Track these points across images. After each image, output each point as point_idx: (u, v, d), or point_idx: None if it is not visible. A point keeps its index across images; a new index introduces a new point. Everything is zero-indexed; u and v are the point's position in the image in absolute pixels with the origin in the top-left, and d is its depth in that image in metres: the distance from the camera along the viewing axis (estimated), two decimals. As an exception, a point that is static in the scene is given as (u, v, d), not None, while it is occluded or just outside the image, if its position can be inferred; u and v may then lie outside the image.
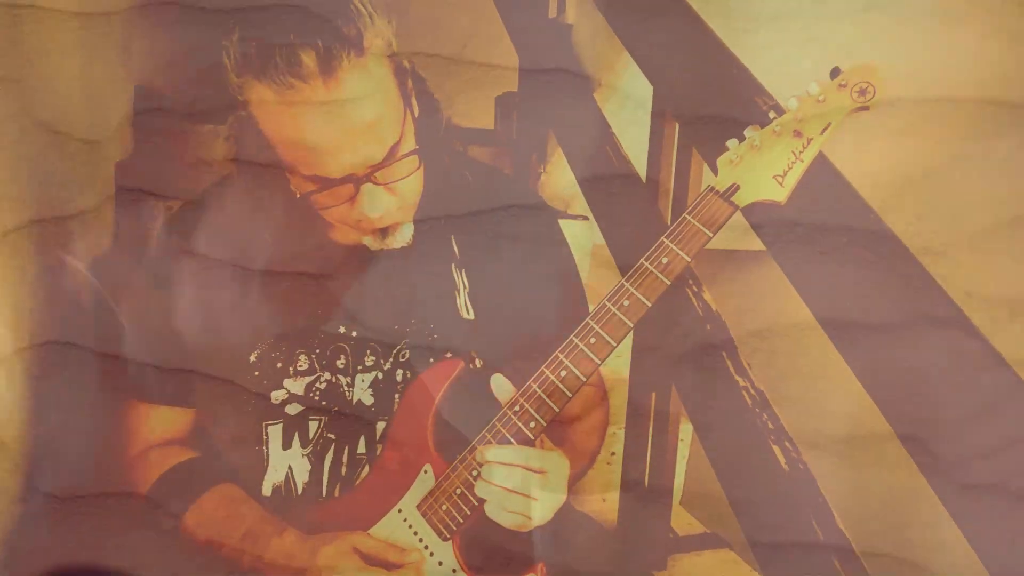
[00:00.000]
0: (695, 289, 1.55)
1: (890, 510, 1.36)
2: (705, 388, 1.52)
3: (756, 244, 1.40)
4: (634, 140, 1.68)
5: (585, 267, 1.74)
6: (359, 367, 1.26)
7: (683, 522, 1.78)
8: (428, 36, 1.48)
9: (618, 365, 1.75)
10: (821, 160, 1.24)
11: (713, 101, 1.45)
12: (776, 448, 1.38)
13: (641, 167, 1.67)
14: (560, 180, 1.80)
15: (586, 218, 1.89)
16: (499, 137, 1.76)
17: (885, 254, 1.25)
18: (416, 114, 1.21)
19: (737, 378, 1.46)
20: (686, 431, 1.77)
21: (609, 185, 1.72)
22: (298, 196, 1.19)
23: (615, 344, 1.12)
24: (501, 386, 1.17)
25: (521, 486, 1.14)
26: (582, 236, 1.88)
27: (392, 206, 1.18)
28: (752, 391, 1.44)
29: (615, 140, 1.75)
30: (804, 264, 1.32)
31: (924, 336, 1.21)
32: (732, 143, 1.11)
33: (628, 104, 1.66)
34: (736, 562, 1.66)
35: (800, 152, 1.06)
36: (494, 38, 1.64)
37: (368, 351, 1.27)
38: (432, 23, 1.52)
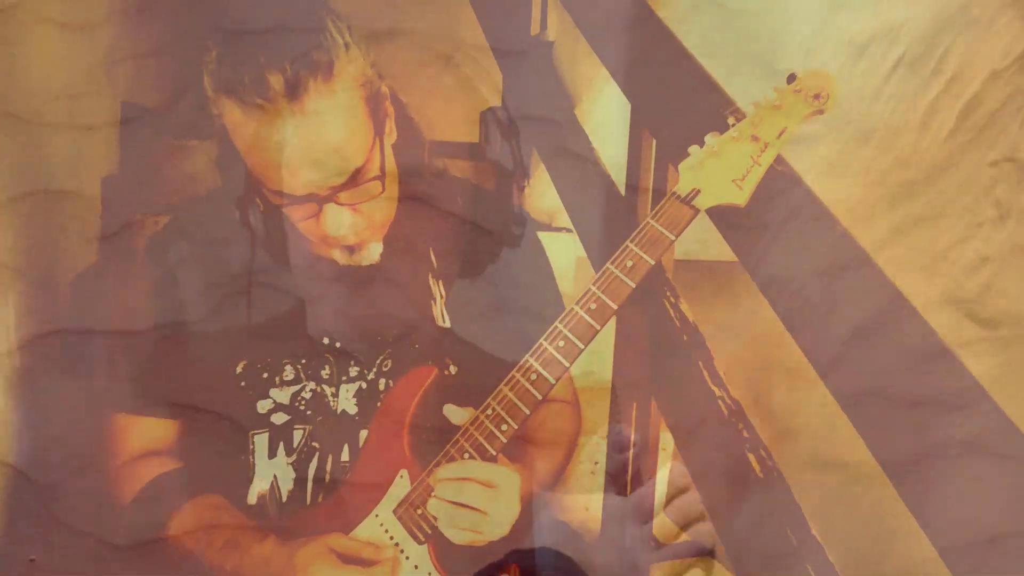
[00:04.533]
0: (672, 300, 1.57)
1: (864, 521, 1.37)
2: (682, 398, 1.53)
3: (732, 256, 1.42)
4: (614, 155, 1.70)
5: (569, 279, 1.76)
6: (343, 377, 1.28)
7: (665, 531, 1.78)
8: (411, 55, 1.50)
9: (600, 375, 1.77)
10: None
11: (689, 119, 1.48)
12: (751, 456, 1.39)
13: (621, 182, 1.69)
14: (544, 194, 1.82)
15: (570, 231, 1.91)
16: (484, 151, 1.78)
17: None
18: (393, 139, 1.24)
19: (713, 388, 1.47)
20: (667, 440, 1.78)
21: (590, 199, 1.74)
22: (261, 209, 1.22)
23: (583, 347, 1.14)
24: (454, 412, 1.20)
25: (470, 501, 1.15)
26: (566, 249, 1.89)
27: (358, 226, 1.21)
28: (728, 400, 1.46)
29: (595, 155, 1.77)
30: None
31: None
32: (693, 149, 1.14)
33: (608, 121, 1.69)
34: (718, 570, 1.66)
35: (758, 156, 1.09)
36: (478, 54, 1.66)
37: (352, 361, 1.29)
38: (415, 41, 1.54)
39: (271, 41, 1.11)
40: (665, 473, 1.85)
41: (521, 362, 1.16)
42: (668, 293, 1.58)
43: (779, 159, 1.11)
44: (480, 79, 1.66)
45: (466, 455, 1.17)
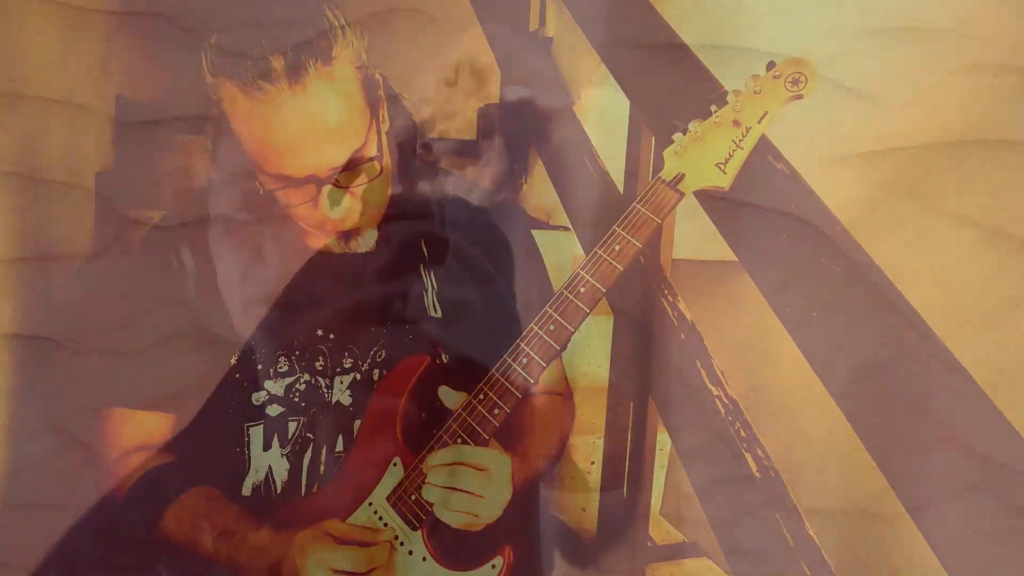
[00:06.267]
0: (670, 299, 1.57)
1: (860, 520, 1.36)
2: (680, 397, 1.53)
3: (730, 255, 1.42)
4: (612, 152, 1.71)
5: (566, 278, 1.76)
6: (337, 368, 1.29)
7: (662, 531, 1.78)
8: (409, 48, 1.51)
9: (597, 375, 1.77)
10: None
11: (688, 115, 1.48)
12: (748, 456, 1.40)
13: (619, 179, 1.70)
14: (542, 191, 1.83)
15: (568, 229, 1.92)
16: (482, 148, 1.79)
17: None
18: (387, 127, 1.26)
19: (711, 387, 1.47)
20: (664, 440, 1.78)
21: (587, 196, 1.75)
22: (261, 192, 1.23)
23: (573, 329, 1.15)
24: (449, 395, 1.22)
25: (463, 484, 1.17)
26: (564, 247, 1.90)
27: (355, 210, 1.22)
28: (725, 400, 1.46)
29: (594, 152, 1.78)
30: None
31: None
32: (677, 136, 1.19)
33: (606, 117, 1.69)
34: (714, 570, 1.66)
35: (740, 140, 1.14)
36: (475, 50, 1.67)
37: (346, 353, 1.29)
38: (414, 34, 1.55)
39: (269, 26, 1.13)
40: (662, 473, 1.85)
41: (512, 347, 1.17)
42: (666, 292, 1.58)
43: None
44: (477, 75, 1.68)
45: (458, 440, 1.18)
